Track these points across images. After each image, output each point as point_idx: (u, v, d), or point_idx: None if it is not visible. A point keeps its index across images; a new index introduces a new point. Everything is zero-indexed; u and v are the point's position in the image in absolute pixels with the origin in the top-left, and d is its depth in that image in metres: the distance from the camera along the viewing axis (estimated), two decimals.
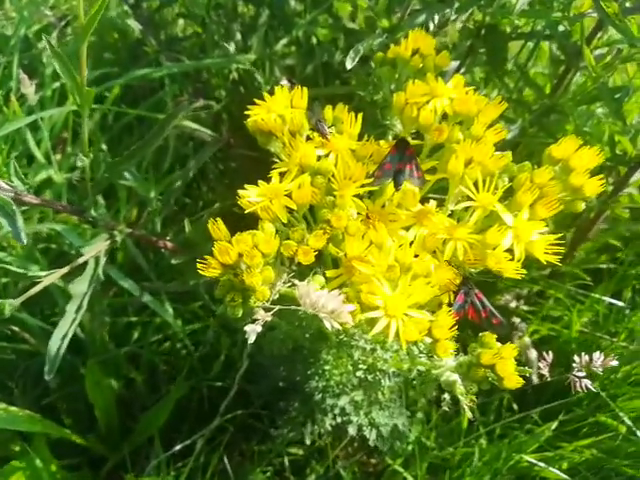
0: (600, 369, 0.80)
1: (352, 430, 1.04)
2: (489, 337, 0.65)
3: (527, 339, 1.31)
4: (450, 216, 0.70)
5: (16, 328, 1.25)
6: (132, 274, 1.21)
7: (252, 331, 0.53)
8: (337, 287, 0.66)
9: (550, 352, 0.84)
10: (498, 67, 1.18)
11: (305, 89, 0.74)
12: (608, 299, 1.37)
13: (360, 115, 0.73)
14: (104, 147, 1.40)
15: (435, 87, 0.72)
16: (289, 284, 0.65)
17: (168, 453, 1.19)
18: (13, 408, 1.11)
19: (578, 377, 0.82)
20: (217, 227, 0.61)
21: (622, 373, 1.33)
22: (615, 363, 0.79)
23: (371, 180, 0.68)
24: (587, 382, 0.82)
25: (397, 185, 0.69)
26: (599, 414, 1.30)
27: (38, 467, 1.12)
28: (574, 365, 0.83)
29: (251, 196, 0.64)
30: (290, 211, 0.66)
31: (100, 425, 1.25)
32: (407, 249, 0.61)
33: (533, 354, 1.31)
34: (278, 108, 0.73)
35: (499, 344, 0.65)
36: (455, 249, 0.65)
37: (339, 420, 1.05)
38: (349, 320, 0.53)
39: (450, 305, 0.67)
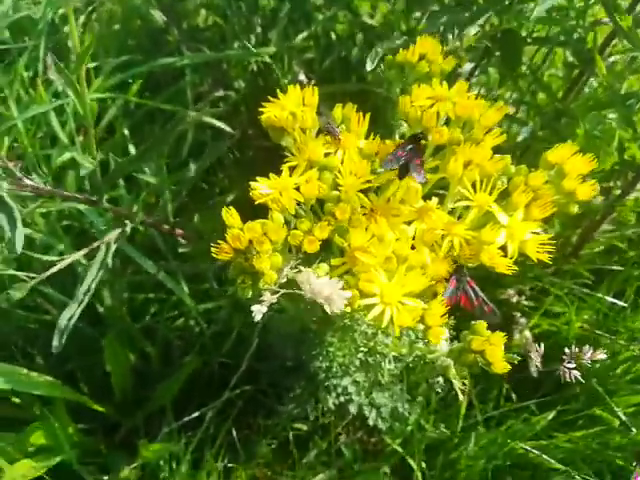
0: (589, 361, 0.85)
1: (353, 409, 1.10)
2: (480, 325, 0.70)
3: (527, 333, 1.35)
4: (451, 213, 0.75)
5: (40, 300, 1.33)
6: (150, 254, 1.28)
7: (258, 311, 0.59)
8: (341, 275, 0.72)
9: (542, 344, 0.89)
10: (512, 69, 1.21)
11: (316, 88, 0.78)
12: (610, 298, 1.40)
13: (368, 115, 0.77)
14: (126, 133, 1.45)
15: (439, 92, 0.76)
16: (296, 270, 0.70)
17: (179, 422, 1.26)
18: (34, 373, 1.19)
19: (568, 368, 0.87)
20: (231, 215, 0.66)
21: (621, 370, 1.37)
22: (603, 356, 0.83)
23: (374, 177, 0.73)
24: (576, 373, 0.87)
25: (403, 174, 0.73)
26: (595, 407, 1.34)
27: (56, 428, 1.20)
28: (564, 357, 0.88)
29: (262, 188, 0.69)
30: (299, 203, 0.71)
31: (116, 393, 1.33)
32: (404, 242, 0.66)
33: (533, 348, 1.35)
34: (290, 105, 0.78)
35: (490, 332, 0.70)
36: (452, 244, 0.70)
37: (342, 399, 1.12)
38: (341, 307, 0.58)
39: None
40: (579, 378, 0.86)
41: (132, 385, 1.34)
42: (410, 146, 0.74)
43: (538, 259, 0.70)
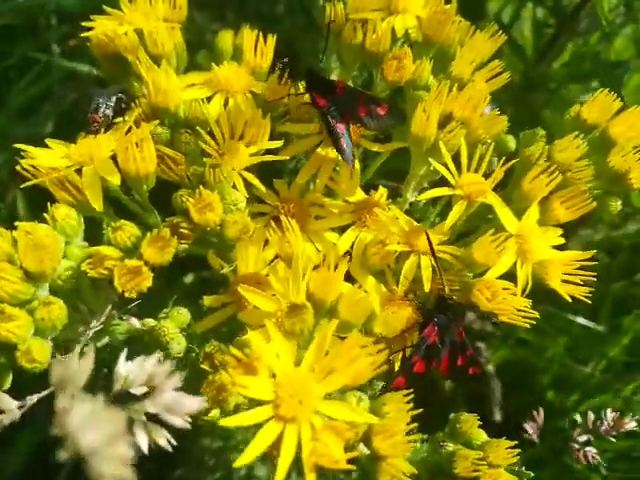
0: (612, 433, 0.56)
1: None
2: (467, 421, 0.37)
3: (490, 367, 1.08)
4: (410, 212, 0.43)
5: None
6: None
7: None
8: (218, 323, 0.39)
9: (541, 411, 0.60)
10: (474, 20, 0.92)
11: None
12: (582, 320, 1.16)
13: (272, 39, 0.43)
14: None
15: None
16: (125, 319, 0.36)
17: None
18: None
19: (579, 443, 0.59)
20: None
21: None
22: (633, 424, 0.55)
23: (280, 143, 0.39)
24: (592, 451, 0.59)
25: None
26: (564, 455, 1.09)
27: None
28: (577, 429, 0.59)
29: (44, 158, 0.34)
30: (128, 192, 0.36)
31: None
32: (333, 270, 0.32)
33: (497, 385, 1.09)
34: (136, 19, 0.43)
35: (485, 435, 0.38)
36: (417, 268, 0.38)
37: None
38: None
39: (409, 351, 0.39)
40: (599, 460, 0.58)
41: None
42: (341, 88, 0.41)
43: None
